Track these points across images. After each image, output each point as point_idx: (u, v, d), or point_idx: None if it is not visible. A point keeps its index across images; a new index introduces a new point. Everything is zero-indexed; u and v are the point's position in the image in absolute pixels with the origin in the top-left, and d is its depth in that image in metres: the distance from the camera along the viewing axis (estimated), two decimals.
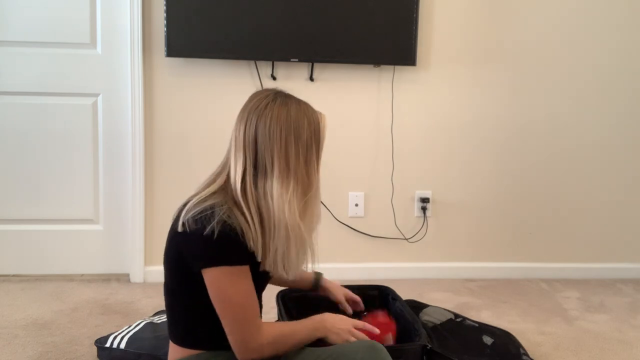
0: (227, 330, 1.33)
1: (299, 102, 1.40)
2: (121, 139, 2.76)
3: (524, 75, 2.89)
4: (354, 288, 1.92)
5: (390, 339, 1.73)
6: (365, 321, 1.52)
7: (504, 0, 2.83)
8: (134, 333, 2.02)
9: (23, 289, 2.64)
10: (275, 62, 2.73)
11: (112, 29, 2.70)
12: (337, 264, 2.85)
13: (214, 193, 1.35)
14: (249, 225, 1.31)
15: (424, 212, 2.92)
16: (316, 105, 1.47)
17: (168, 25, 2.59)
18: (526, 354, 2.05)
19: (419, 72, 2.83)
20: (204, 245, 1.29)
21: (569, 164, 2.98)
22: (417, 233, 2.94)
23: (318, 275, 1.79)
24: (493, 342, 2.07)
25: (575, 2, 2.86)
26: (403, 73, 2.82)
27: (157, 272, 2.77)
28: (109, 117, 2.76)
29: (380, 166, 2.88)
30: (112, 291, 2.67)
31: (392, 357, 1.36)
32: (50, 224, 2.81)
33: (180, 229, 1.33)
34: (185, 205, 1.36)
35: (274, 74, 2.74)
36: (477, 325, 2.20)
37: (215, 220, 1.27)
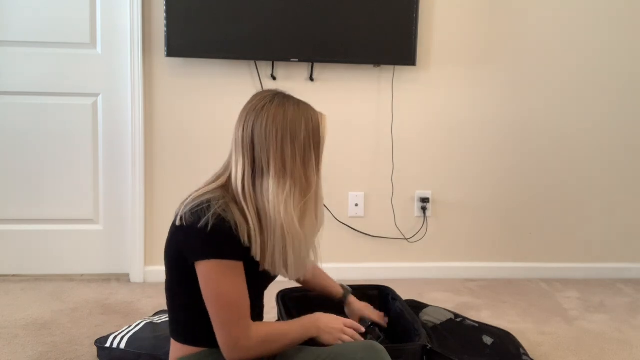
0: (215, 327, 1.33)
1: (298, 102, 1.40)
2: (121, 139, 2.76)
3: (524, 75, 2.89)
4: (354, 288, 1.92)
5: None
6: None
7: (504, 1, 2.83)
8: (134, 333, 2.02)
9: (23, 289, 2.64)
10: (275, 62, 2.73)
11: (112, 29, 2.70)
12: (337, 264, 2.85)
13: (214, 189, 1.37)
14: (246, 222, 1.32)
15: (424, 212, 2.92)
16: (316, 105, 1.48)
17: (168, 25, 2.59)
18: (526, 354, 2.05)
19: (419, 72, 2.83)
20: (198, 238, 1.30)
21: (569, 164, 2.98)
22: (417, 233, 2.94)
23: (346, 292, 1.82)
24: (493, 342, 2.07)
25: (575, 2, 2.86)
26: (403, 73, 2.82)
27: (157, 272, 2.77)
28: (109, 117, 2.76)
29: (380, 166, 2.88)
30: (112, 291, 2.67)
31: (392, 357, 1.36)
32: (50, 224, 2.81)
33: (178, 222, 1.34)
34: (185, 200, 1.38)
35: (274, 74, 2.74)
36: (477, 325, 2.20)
37: (211, 213, 1.28)
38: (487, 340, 2.08)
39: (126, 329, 2.05)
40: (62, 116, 2.74)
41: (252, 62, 2.72)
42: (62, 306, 2.46)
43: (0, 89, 2.69)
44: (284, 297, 1.93)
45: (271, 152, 1.34)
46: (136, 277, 2.79)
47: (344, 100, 2.82)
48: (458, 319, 2.21)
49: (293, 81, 2.76)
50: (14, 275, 2.80)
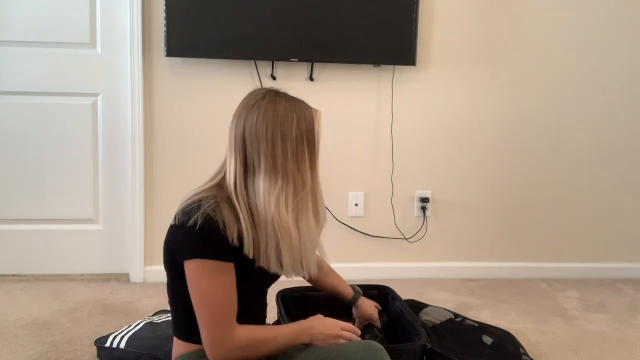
0: (199, 326, 1.32)
1: (290, 100, 1.39)
2: (121, 139, 2.76)
3: (524, 75, 2.89)
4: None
5: None
6: None
7: (504, 1, 2.83)
8: (134, 333, 2.02)
9: (23, 289, 2.64)
10: (275, 62, 2.73)
11: (112, 29, 2.70)
12: (337, 264, 2.82)
13: (209, 189, 1.37)
14: (237, 221, 1.31)
15: (424, 212, 2.92)
16: (316, 105, 1.47)
17: (168, 25, 2.59)
18: (526, 354, 2.05)
19: (419, 72, 2.83)
20: (186, 237, 1.30)
21: (569, 164, 2.98)
22: (417, 233, 2.94)
23: (357, 295, 1.82)
24: (493, 342, 2.07)
25: (575, 2, 2.86)
26: (403, 73, 2.82)
27: (157, 272, 2.77)
28: (109, 117, 2.76)
29: (380, 166, 2.88)
30: (112, 291, 2.67)
31: (393, 357, 1.36)
32: (50, 224, 2.81)
33: (172, 221, 1.35)
34: (182, 200, 1.38)
35: (274, 74, 2.74)
36: (477, 325, 2.20)
37: (200, 213, 1.28)
38: (487, 340, 2.08)
39: (126, 329, 2.05)
40: (62, 116, 2.74)
41: (252, 62, 2.72)
42: (62, 306, 2.46)
43: (0, 89, 2.69)
44: (284, 297, 1.93)
45: (262, 149, 1.33)
46: (136, 277, 2.79)
47: (344, 100, 2.82)
48: (458, 319, 2.21)
49: (293, 81, 2.76)
50: (14, 275, 2.80)
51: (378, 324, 1.84)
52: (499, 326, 2.27)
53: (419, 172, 2.92)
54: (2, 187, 2.76)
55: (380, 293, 2.07)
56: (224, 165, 1.41)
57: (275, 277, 1.48)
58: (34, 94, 2.71)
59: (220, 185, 1.38)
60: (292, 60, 2.69)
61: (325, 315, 1.46)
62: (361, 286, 2.08)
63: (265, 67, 2.74)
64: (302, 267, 1.41)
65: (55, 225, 2.81)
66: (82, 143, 2.77)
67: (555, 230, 3.02)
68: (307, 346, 1.40)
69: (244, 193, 1.35)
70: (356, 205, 2.90)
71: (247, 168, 1.35)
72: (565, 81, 2.92)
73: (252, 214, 1.34)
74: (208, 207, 1.30)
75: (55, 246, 2.81)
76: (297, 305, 1.91)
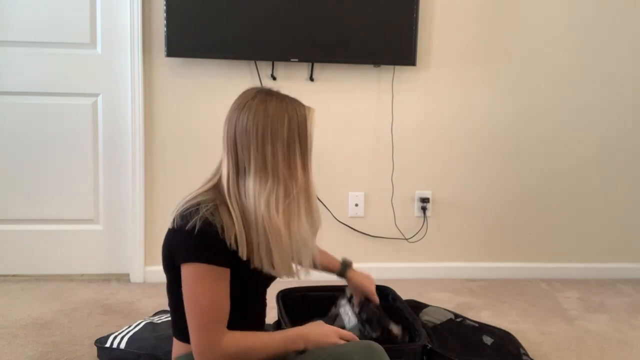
0: (189, 330, 1.31)
1: (282, 98, 1.37)
2: (121, 139, 2.76)
3: (524, 75, 2.89)
4: None
5: None
6: None
7: (504, 1, 2.83)
8: (134, 333, 2.02)
9: (23, 289, 2.64)
10: (275, 62, 2.73)
11: (112, 29, 2.70)
12: None
13: (206, 191, 1.36)
14: (233, 222, 1.31)
15: (424, 212, 2.92)
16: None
17: (168, 25, 2.59)
18: (526, 354, 2.05)
19: (419, 72, 2.83)
20: (184, 241, 1.30)
21: (570, 164, 2.98)
22: (417, 233, 2.94)
23: (344, 267, 1.78)
24: (493, 342, 2.07)
25: (575, 3, 2.86)
26: (403, 73, 2.82)
27: (157, 272, 2.77)
28: (109, 117, 2.76)
29: (380, 166, 2.88)
30: (112, 291, 2.67)
31: (393, 357, 1.36)
32: (50, 224, 2.81)
33: (170, 225, 1.34)
34: (179, 202, 1.37)
35: (274, 74, 2.74)
36: (477, 325, 2.20)
37: (198, 216, 1.27)
38: (487, 340, 2.08)
39: (126, 329, 2.05)
40: (62, 116, 2.74)
41: (252, 62, 2.72)
42: (62, 306, 2.46)
43: (0, 89, 2.69)
44: (284, 297, 1.93)
45: (252, 150, 1.32)
46: (136, 277, 2.79)
47: (344, 100, 2.82)
48: (458, 319, 2.21)
49: (293, 81, 2.76)
50: (14, 275, 2.80)
51: (374, 298, 1.77)
52: (499, 326, 2.27)
53: (419, 172, 2.91)
54: (2, 187, 2.76)
55: (380, 293, 2.06)
56: (219, 167, 1.40)
57: (273, 277, 1.48)
58: (34, 94, 2.71)
59: (217, 187, 1.37)
60: (292, 60, 2.69)
61: (326, 315, 1.46)
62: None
63: (265, 67, 2.74)
64: (294, 269, 1.39)
65: (55, 225, 2.81)
66: (82, 143, 2.77)
67: (555, 230, 3.02)
68: (302, 352, 1.39)
69: (237, 194, 1.33)
70: (356, 205, 2.90)
71: (238, 169, 1.34)
72: (565, 81, 2.92)
73: (244, 215, 1.33)
74: (206, 210, 1.29)
75: (55, 246, 2.81)
76: (297, 305, 1.91)
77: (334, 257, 1.81)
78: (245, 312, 1.38)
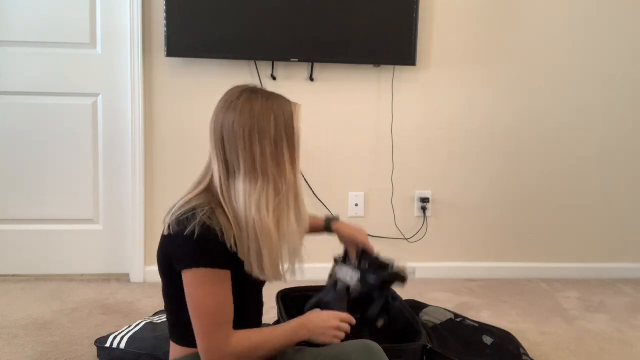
0: (196, 335, 1.31)
1: (267, 96, 1.36)
2: (121, 139, 2.76)
3: (524, 75, 2.89)
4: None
5: None
6: None
7: (503, 1, 2.83)
8: (134, 333, 2.02)
9: (23, 289, 2.64)
10: (275, 62, 2.73)
11: (112, 29, 2.70)
12: None
13: (199, 194, 1.35)
14: (230, 224, 1.30)
15: (424, 212, 2.92)
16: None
17: (168, 25, 2.59)
18: (526, 354, 2.05)
19: (419, 72, 2.83)
20: (184, 247, 1.29)
21: (570, 164, 2.98)
22: (417, 233, 2.94)
23: (328, 222, 1.72)
24: (493, 342, 2.07)
25: (575, 2, 2.86)
26: (403, 73, 2.82)
27: (157, 272, 2.75)
28: (109, 117, 2.76)
29: (380, 166, 2.88)
30: (112, 291, 2.67)
31: (392, 357, 1.36)
32: (50, 224, 2.81)
33: (165, 231, 1.33)
34: (172, 208, 1.36)
35: (274, 74, 2.74)
36: (477, 325, 2.20)
37: (196, 221, 1.26)
38: (487, 340, 2.08)
39: (126, 329, 2.05)
40: (62, 116, 2.74)
41: (252, 62, 2.72)
42: (62, 306, 2.46)
43: (0, 89, 2.69)
44: (284, 297, 1.93)
45: (240, 151, 1.31)
46: (136, 277, 2.79)
47: (344, 100, 2.82)
48: (458, 319, 2.21)
49: (293, 81, 2.76)
50: (14, 275, 2.80)
51: (370, 248, 1.71)
52: (499, 326, 2.27)
53: (419, 172, 2.91)
54: (2, 187, 2.76)
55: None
56: (208, 169, 1.39)
57: None
58: (34, 94, 2.71)
59: (210, 189, 1.36)
60: (292, 60, 2.69)
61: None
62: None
63: (265, 67, 2.74)
64: (282, 272, 1.38)
65: (55, 225, 2.81)
66: (82, 143, 2.77)
67: (555, 230, 3.02)
68: (306, 344, 1.40)
69: (229, 197, 1.32)
70: (356, 205, 2.90)
71: (228, 171, 1.33)
72: (565, 81, 2.92)
73: (237, 217, 1.31)
74: (203, 215, 1.27)
75: (55, 246, 2.81)
76: (297, 305, 1.91)
77: (317, 217, 1.75)
78: (243, 313, 1.38)
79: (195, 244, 1.26)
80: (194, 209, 1.30)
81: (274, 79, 2.74)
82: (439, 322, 2.17)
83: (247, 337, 1.33)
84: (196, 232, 1.26)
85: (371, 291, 1.66)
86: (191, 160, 2.77)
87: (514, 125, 2.93)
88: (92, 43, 2.71)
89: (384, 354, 1.35)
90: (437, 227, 2.95)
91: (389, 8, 2.68)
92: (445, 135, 2.90)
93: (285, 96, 1.40)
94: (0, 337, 2.15)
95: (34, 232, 2.80)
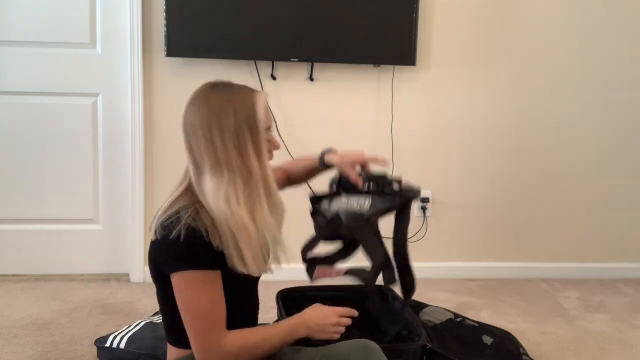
0: (189, 337, 1.30)
1: (227, 89, 1.35)
2: (121, 139, 2.76)
3: (524, 75, 2.89)
4: (354, 288, 1.91)
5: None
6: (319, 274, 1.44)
7: (504, 1, 2.83)
8: (134, 333, 2.02)
9: (23, 289, 2.64)
10: (275, 62, 2.73)
11: (112, 29, 2.70)
12: (337, 264, 2.84)
13: (181, 196, 1.35)
14: (214, 224, 1.29)
15: (424, 212, 2.92)
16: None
17: (168, 25, 2.59)
18: (526, 354, 2.05)
19: (419, 72, 2.83)
20: (171, 251, 1.28)
21: (569, 164, 2.98)
22: (417, 233, 2.94)
23: (323, 154, 1.66)
24: (493, 342, 2.07)
25: (575, 2, 2.86)
26: (403, 73, 2.82)
27: None
28: (109, 117, 2.76)
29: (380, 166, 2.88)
30: (112, 291, 2.67)
31: (392, 358, 1.36)
32: (50, 224, 2.81)
33: (153, 237, 1.33)
34: (157, 213, 1.36)
35: (274, 74, 2.74)
36: (477, 325, 2.20)
37: (181, 224, 1.26)
38: (487, 340, 2.08)
39: (126, 329, 2.05)
40: (62, 116, 2.74)
41: (252, 62, 2.72)
42: (62, 306, 2.46)
43: (0, 89, 2.69)
44: (284, 297, 1.93)
45: (202, 147, 1.30)
46: (136, 277, 2.79)
47: (344, 100, 2.82)
48: (458, 319, 2.21)
49: (293, 81, 2.76)
50: (14, 275, 2.80)
51: (368, 163, 1.61)
52: (499, 326, 2.27)
53: (419, 172, 2.91)
54: (2, 187, 2.76)
55: (380, 293, 2.07)
56: (187, 169, 1.39)
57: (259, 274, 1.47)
58: (34, 94, 2.71)
59: (190, 190, 1.36)
60: (292, 60, 2.69)
61: None
62: (361, 286, 2.07)
63: (265, 67, 2.74)
64: (266, 263, 1.36)
65: (55, 225, 2.81)
66: (82, 143, 2.77)
67: (555, 230, 3.02)
68: (306, 340, 1.39)
69: (202, 193, 1.32)
70: None
71: (198, 167, 1.33)
72: (565, 82, 2.92)
73: (212, 214, 1.30)
74: (188, 217, 1.27)
75: (55, 246, 2.81)
76: (297, 305, 1.91)
77: (310, 157, 1.70)
78: (238, 311, 1.37)
79: (182, 248, 1.26)
80: (177, 212, 1.29)
81: (274, 79, 2.75)
82: (439, 322, 2.17)
83: (241, 337, 1.32)
84: (182, 236, 1.25)
85: (385, 212, 1.57)
86: None
87: (513, 125, 2.93)
88: (92, 43, 2.71)
89: (382, 354, 1.34)
90: (437, 227, 2.95)
91: (389, 8, 2.68)
92: (445, 135, 2.90)
93: (250, 86, 1.39)
94: (0, 337, 2.15)
95: (34, 232, 2.80)
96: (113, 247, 2.84)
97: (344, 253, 1.70)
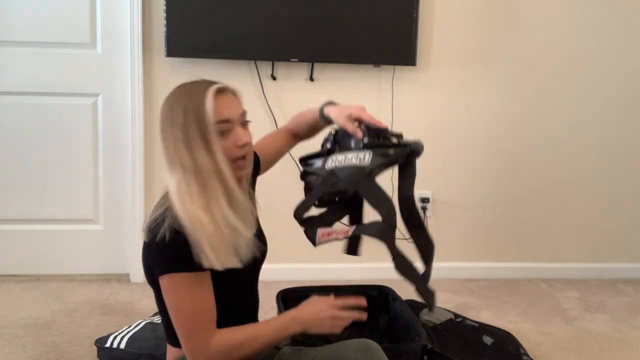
0: (179, 338, 1.31)
1: (183, 87, 1.38)
2: (121, 139, 2.76)
3: (524, 75, 2.89)
4: (354, 288, 1.91)
5: None
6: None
7: (504, 1, 2.83)
8: (134, 333, 2.02)
9: (23, 289, 2.64)
10: (275, 62, 2.73)
11: (112, 29, 2.70)
12: (337, 264, 2.85)
13: (165, 198, 1.33)
14: None
15: (424, 212, 2.92)
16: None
17: (168, 25, 2.59)
18: (526, 354, 2.05)
19: (419, 72, 2.83)
20: (156, 254, 1.29)
21: (569, 165, 2.98)
22: None
23: (321, 108, 1.61)
24: (493, 342, 2.07)
25: (576, 2, 2.86)
26: (403, 73, 2.82)
27: None
28: (109, 117, 2.76)
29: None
30: (112, 291, 2.67)
31: (392, 357, 1.36)
32: (50, 223, 2.81)
33: (143, 239, 1.33)
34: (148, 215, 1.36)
35: (274, 74, 2.74)
36: (477, 325, 2.20)
37: (165, 226, 1.25)
38: (487, 340, 2.08)
39: (126, 329, 2.05)
40: (62, 116, 2.74)
41: (252, 62, 2.72)
42: (62, 306, 2.46)
43: (0, 89, 2.69)
44: (284, 297, 1.93)
45: (161, 144, 1.33)
46: (136, 277, 2.79)
47: (344, 100, 2.80)
48: (458, 319, 2.21)
49: (293, 81, 2.76)
50: (14, 275, 2.80)
51: (366, 118, 1.55)
52: (499, 326, 2.27)
53: (419, 172, 2.89)
54: (2, 187, 2.76)
55: (380, 293, 2.07)
56: None
57: (256, 273, 1.47)
58: (34, 94, 2.71)
59: None
60: (292, 60, 2.69)
61: None
62: (361, 286, 2.08)
63: (265, 67, 2.74)
64: (229, 258, 1.30)
65: (55, 225, 2.81)
66: (82, 143, 2.77)
67: (555, 230, 3.02)
68: (306, 338, 1.38)
69: (168, 194, 1.32)
70: None
71: (167, 168, 1.34)
72: (565, 82, 2.92)
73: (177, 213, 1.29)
74: (171, 219, 1.27)
75: (55, 246, 2.81)
76: (297, 304, 1.91)
77: (311, 111, 1.66)
78: (234, 312, 1.37)
79: (167, 250, 1.26)
80: (163, 213, 1.29)
81: (274, 79, 2.75)
82: (439, 322, 2.17)
83: (229, 336, 1.31)
84: (166, 238, 1.24)
85: (388, 166, 1.48)
86: None
87: (513, 125, 2.93)
88: (92, 43, 2.71)
89: (383, 353, 1.34)
90: (437, 227, 2.95)
91: (389, 8, 2.68)
92: (445, 135, 2.90)
93: (216, 81, 1.40)
94: (0, 337, 2.15)
95: (34, 232, 2.80)
96: (113, 247, 2.84)
97: (340, 211, 1.60)
